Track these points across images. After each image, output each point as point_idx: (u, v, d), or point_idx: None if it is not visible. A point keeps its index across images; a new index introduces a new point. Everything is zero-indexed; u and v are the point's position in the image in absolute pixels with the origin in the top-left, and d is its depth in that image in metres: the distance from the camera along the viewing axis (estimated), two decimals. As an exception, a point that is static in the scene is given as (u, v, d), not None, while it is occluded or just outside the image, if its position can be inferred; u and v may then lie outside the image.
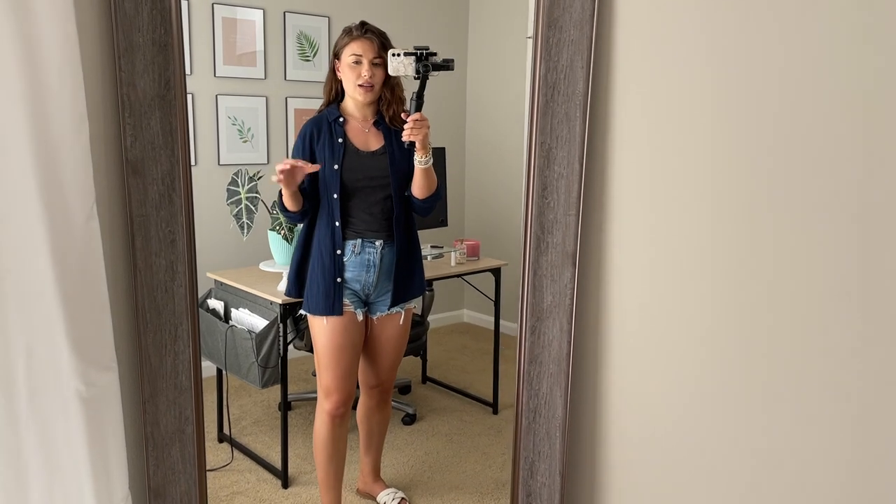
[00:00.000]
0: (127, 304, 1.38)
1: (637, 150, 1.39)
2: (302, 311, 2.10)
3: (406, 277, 2.11)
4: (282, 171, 1.88)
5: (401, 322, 2.16)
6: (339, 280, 2.02)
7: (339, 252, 2.01)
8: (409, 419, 2.81)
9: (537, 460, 1.48)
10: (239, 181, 2.32)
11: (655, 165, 1.37)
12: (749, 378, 1.32)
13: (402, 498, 2.30)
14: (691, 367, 1.38)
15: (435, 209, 2.11)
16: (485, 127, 3.66)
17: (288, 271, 2.14)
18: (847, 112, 1.17)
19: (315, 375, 2.20)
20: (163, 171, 1.33)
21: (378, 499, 2.33)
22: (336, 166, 1.99)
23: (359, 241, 2.04)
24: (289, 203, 1.99)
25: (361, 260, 2.04)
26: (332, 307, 2.03)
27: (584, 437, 1.53)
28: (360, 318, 2.09)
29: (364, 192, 2.02)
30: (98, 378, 1.28)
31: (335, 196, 1.99)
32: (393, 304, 2.11)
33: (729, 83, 1.27)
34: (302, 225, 2.10)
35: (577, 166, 1.36)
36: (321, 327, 2.05)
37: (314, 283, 2.04)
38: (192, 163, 2.31)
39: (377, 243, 2.05)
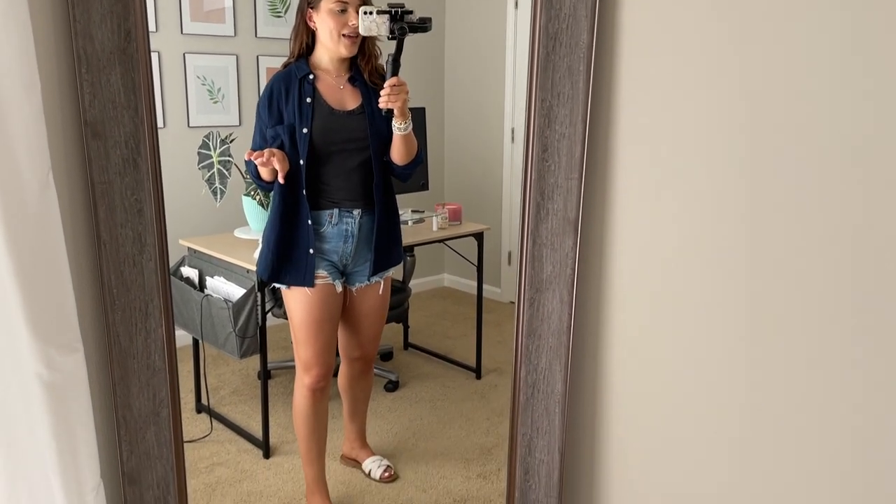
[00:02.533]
0: (91, 280, 1.28)
1: (645, 109, 1.29)
2: (275, 285, 2.00)
3: (385, 247, 2.01)
4: (262, 164, 1.78)
5: (380, 292, 2.08)
6: (311, 251, 1.91)
7: (309, 222, 1.90)
8: (392, 386, 2.78)
9: (535, 437, 1.42)
10: (210, 144, 2.20)
11: (664, 125, 1.28)
12: (756, 351, 1.26)
13: (388, 465, 2.26)
14: (698, 340, 1.32)
15: (415, 174, 2.01)
16: (465, 86, 3.55)
17: (260, 251, 2.02)
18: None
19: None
20: (126, 132, 1.21)
21: (363, 466, 2.29)
22: (305, 130, 1.85)
23: (335, 210, 1.93)
24: (265, 174, 1.87)
25: (339, 230, 1.94)
26: (303, 278, 1.93)
27: (585, 412, 1.47)
28: (339, 289, 2.00)
29: (340, 156, 1.90)
30: (62, 361, 1.18)
31: (301, 162, 1.86)
32: (372, 274, 2.02)
33: (744, 39, 1.18)
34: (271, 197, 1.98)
35: (580, 126, 1.27)
36: (297, 300, 1.96)
37: (285, 254, 1.94)
38: (161, 125, 2.20)
39: (355, 212, 1.94)
